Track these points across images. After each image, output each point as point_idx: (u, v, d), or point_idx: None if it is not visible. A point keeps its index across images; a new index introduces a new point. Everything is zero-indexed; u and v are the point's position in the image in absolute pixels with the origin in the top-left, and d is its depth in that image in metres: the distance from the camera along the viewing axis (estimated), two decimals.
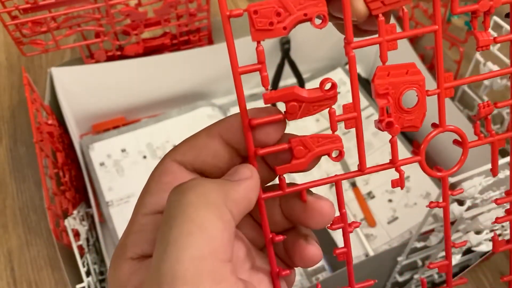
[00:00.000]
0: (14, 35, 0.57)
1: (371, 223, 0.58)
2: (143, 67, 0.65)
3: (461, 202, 0.39)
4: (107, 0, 0.57)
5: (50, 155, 0.52)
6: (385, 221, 0.58)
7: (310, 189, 0.23)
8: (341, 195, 0.23)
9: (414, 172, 0.61)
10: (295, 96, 0.21)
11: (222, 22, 0.20)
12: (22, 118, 0.70)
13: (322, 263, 0.55)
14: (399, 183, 0.23)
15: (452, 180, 0.37)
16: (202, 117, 0.67)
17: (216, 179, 0.21)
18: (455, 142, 0.24)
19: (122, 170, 0.62)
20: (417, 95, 0.22)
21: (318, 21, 0.20)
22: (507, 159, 0.37)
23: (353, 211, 0.61)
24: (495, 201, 0.25)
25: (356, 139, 0.22)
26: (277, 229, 0.23)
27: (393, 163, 0.23)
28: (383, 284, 0.51)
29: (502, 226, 0.42)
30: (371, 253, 0.55)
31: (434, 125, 0.24)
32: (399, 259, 0.47)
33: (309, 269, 0.54)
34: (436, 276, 0.50)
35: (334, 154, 0.22)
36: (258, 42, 0.20)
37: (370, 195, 0.61)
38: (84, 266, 0.48)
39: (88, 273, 0.48)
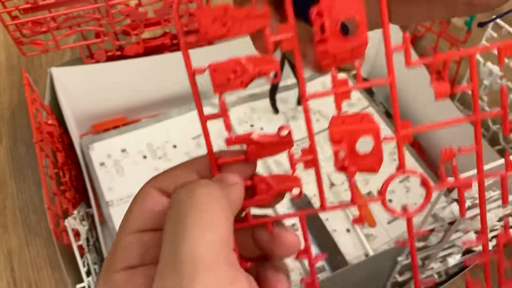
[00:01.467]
0: (14, 35, 0.57)
1: (371, 223, 0.58)
2: (143, 67, 0.65)
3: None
4: (107, 0, 0.57)
5: (50, 155, 0.52)
6: (385, 221, 0.58)
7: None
8: (304, 228, 0.26)
9: None
10: (251, 141, 0.24)
11: (189, 79, 0.23)
12: (22, 118, 0.70)
13: (322, 263, 0.55)
14: (359, 220, 0.25)
15: (451, 178, 0.37)
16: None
17: (213, 181, 0.24)
18: (422, 183, 0.26)
19: (122, 170, 0.62)
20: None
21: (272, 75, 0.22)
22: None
23: (353, 211, 0.61)
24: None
25: (316, 178, 0.25)
26: (249, 255, 0.26)
27: (354, 202, 0.25)
28: (383, 284, 0.51)
29: (502, 226, 0.42)
30: (371, 253, 0.55)
31: (397, 168, 0.25)
32: (399, 259, 0.47)
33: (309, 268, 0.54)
34: (436, 276, 0.50)
35: (294, 192, 0.25)
36: (220, 94, 0.23)
37: (370, 195, 0.61)
38: (84, 266, 0.48)
39: (88, 273, 0.48)
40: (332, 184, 0.61)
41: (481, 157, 0.25)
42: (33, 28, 0.57)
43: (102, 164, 0.62)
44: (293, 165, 0.24)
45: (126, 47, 0.65)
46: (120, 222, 0.25)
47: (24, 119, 0.70)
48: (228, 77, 0.22)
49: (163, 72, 0.66)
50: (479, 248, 0.42)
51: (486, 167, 0.36)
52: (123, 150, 0.64)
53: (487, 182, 0.38)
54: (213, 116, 0.24)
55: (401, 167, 0.25)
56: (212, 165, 0.24)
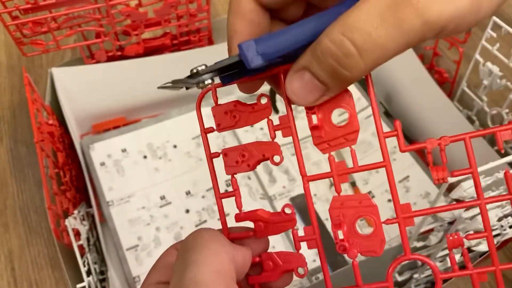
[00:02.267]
0: (15, 35, 0.57)
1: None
2: (144, 67, 0.65)
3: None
4: (108, 1, 0.57)
5: (50, 155, 0.52)
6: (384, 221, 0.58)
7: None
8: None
9: (413, 172, 0.61)
10: (259, 218, 0.26)
11: (202, 137, 0.28)
12: (22, 118, 0.70)
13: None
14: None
15: (451, 180, 0.37)
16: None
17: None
18: (432, 271, 0.27)
19: (123, 170, 0.62)
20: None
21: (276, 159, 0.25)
22: (507, 159, 0.37)
23: None
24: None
25: (320, 256, 0.26)
26: None
27: (359, 287, 0.26)
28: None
29: (502, 226, 0.42)
30: None
31: (403, 255, 0.26)
32: None
33: (309, 268, 0.54)
34: None
35: (300, 272, 0.26)
36: (232, 176, 0.26)
37: (370, 194, 0.61)
38: (84, 266, 0.48)
39: (88, 273, 0.49)
40: (332, 184, 0.61)
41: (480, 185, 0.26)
42: (33, 28, 0.57)
43: (102, 164, 0.62)
44: (297, 243, 0.26)
45: (126, 47, 0.65)
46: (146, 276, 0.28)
47: (25, 119, 0.70)
48: (237, 160, 0.26)
49: (164, 72, 0.66)
50: (479, 248, 0.42)
51: (486, 167, 0.36)
52: (124, 150, 0.64)
53: (487, 182, 0.38)
54: (227, 196, 0.27)
55: (406, 253, 0.26)
56: (221, 215, 0.27)
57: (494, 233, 0.43)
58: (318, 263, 0.55)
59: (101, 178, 0.61)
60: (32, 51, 0.60)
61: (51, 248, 0.59)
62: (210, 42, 0.69)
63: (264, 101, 0.26)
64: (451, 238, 0.25)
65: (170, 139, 0.65)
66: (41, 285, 0.57)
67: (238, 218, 0.27)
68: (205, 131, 0.27)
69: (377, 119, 0.23)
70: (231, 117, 0.26)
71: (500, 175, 0.37)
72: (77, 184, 0.60)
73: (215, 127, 0.27)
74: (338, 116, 0.26)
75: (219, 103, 0.27)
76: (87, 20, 0.60)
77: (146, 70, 0.65)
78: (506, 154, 0.53)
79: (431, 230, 0.44)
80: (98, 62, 0.65)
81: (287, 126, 0.26)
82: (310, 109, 0.24)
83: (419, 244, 0.45)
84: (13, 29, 0.56)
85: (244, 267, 0.26)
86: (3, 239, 0.60)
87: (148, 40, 0.67)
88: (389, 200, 0.59)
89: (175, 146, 0.65)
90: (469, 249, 0.44)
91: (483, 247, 0.43)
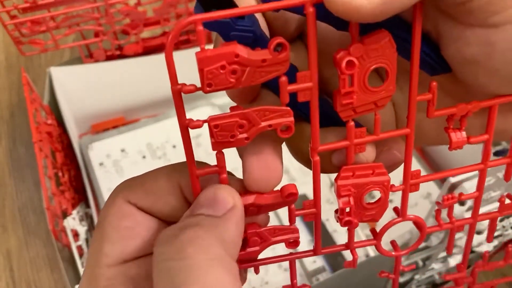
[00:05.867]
0: (13, 35, 0.57)
1: (372, 223, 0.58)
2: (143, 66, 0.65)
3: (462, 203, 0.39)
4: (106, 0, 0.56)
5: (49, 155, 0.52)
6: (385, 221, 0.58)
7: None
8: (294, 270, 0.24)
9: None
10: (251, 204, 0.20)
11: (173, 96, 0.19)
12: (21, 118, 0.70)
13: (322, 263, 0.55)
14: (351, 264, 0.24)
15: (453, 180, 0.37)
16: (202, 117, 0.66)
17: (205, 220, 0.19)
18: (415, 225, 0.25)
19: (122, 170, 0.62)
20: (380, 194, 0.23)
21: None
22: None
23: None
24: None
25: (315, 230, 0.23)
26: None
27: (348, 246, 0.24)
28: (383, 284, 0.51)
29: (503, 227, 0.42)
30: (372, 254, 0.55)
31: (396, 211, 0.25)
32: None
33: (309, 269, 0.54)
34: (436, 277, 0.50)
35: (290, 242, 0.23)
36: (219, 152, 0.20)
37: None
38: (83, 267, 0.48)
39: None
40: (333, 184, 0.61)
41: (479, 202, 0.25)
42: (32, 27, 0.57)
43: (101, 164, 0.62)
44: (292, 217, 0.22)
45: (125, 47, 0.65)
46: (90, 248, 0.20)
47: (23, 119, 0.70)
48: (233, 133, 0.19)
49: (163, 72, 0.65)
50: (480, 248, 0.42)
51: None
52: (123, 150, 0.64)
53: (488, 182, 0.37)
54: (208, 172, 0.20)
55: (403, 215, 0.25)
56: (193, 183, 0.20)
57: (495, 233, 0.43)
58: (318, 264, 0.55)
59: (100, 179, 0.61)
60: (31, 50, 0.60)
61: (50, 249, 0.59)
62: (210, 41, 0.68)
63: (281, 50, 0.17)
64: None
65: (169, 139, 0.65)
66: (40, 286, 0.56)
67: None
68: (182, 89, 0.19)
69: (415, 69, 0.19)
70: (229, 72, 0.17)
71: (501, 175, 0.37)
72: (76, 185, 0.59)
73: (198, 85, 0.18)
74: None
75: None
76: (85, 19, 0.60)
77: (145, 70, 0.65)
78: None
79: None
80: (97, 61, 0.65)
81: (306, 88, 0.18)
82: (349, 68, 0.18)
83: (420, 245, 0.45)
84: (12, 28, 0.56)
85: (241, 235, 0.20)
86: (2, 240, 0.60)
87: (147, 40, 0.66)
88: (390, 201, 0.59)
89: (174, 146, 0.65)
90: (470, 250, 0.44)
91: (484, 247, 0.43)
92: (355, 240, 0.25)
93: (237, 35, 0.19)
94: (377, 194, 0.22)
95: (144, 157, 0.63)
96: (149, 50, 0.66)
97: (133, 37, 0.64)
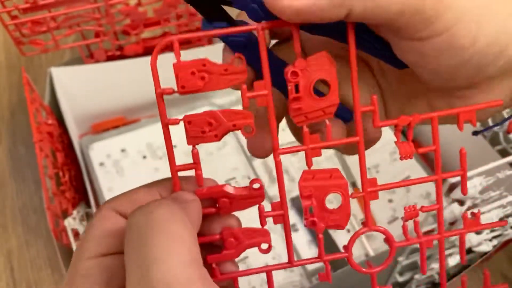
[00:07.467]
0: (14, 35, 0.57)
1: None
2: (143, 67, 0.64)
3: (461, 202, 0.39)
4: (107, 0, 0.56)
5: (49, 155, 0.52)
6: (385, 221, 0.58)
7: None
8: (271, 282, 0.26)
9: (414, 171, 0.61)
10: (224, 194, 0.24)
11: (156, 99, 0.24)
12: (21, 118, 0.70)
13: (322, 263, 0.55)
14: (325, 277, 0.26)
15: (452, 180, 0.37)
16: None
17: (170, 199, 0.23)
18: (385, 240, 0.26)
19: (122, 170, 0.62)
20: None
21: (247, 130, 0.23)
22: (507, 159, 0.37)
23: (353, 211, 0.61)
24: None
25: (285, 233, 0.25)
26: None
27: (321, 257, 0.26)
28: (383, 284, 0.51)
29: (503, 227, 0.42)
30: (371, 253, 0.55)
31: (363, 224, 0.26)
32: (400, 259, 0.47)
33: (309, 269, 0.54)
34: (436, 276, 0.50)
35: (263, 247, 0.24)
36: (193, 146, 0.24)
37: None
38: None
39: None
40: None
41: (441, 215, 0.26)
42: (32, 27, 0.57)
43: (101, 164, 0.62)
44: (262, 218, 0.24)
45: (125, 47, 0.65)
46: (75, 248, 0.23)
47: (24, 119, 0.70)
48: (203, 129, 0.23)
49: (163, 72, 0.65)
50: (480, 248, 0.42)
51: (486, 167, 0.36)
52: (123, 150, 0.64)
53: (487, 182, 0.38)
54: (185, 168, 0.25)
55: (368, 224, 0.25)
56: (173, 177, 0.25)
57: (495, 233, 0.43)
58: (318, 264, 0.55)
59: (101, 179, 0.61)
60: (31, 50, 0.60)
61: (51, 249, 0.59)
62: (210, 41, 0.68)
63: (239, 63, 0.22)
64: (407, 211, 0.26)
65: None
66: (40, 286, 0.57)
67: (200, 194, 0.24)
68: (164, 92, 0.24)
69: (355, 85, 0.23)
70: (198, 78, 0.22)
71: (501, 175, 0.37)
72: (76, 184, 0.60)
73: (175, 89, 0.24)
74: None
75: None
76: (86, 19, 0.60)
77: (146, 70, 0.64)
78: (507, 154, 0.53)
79: (431, 230, 0.44)
80: (97, 61, 0.65)
81: (262, 94, 0.22)
82: (294, 77, 0.22)
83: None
84: (12, 29, 0.56)
85: (198, 221, 0.23)
86: (2, 240, 0.60)
87: (148, 40, 0.66)
88: (389, 201, 0.59)
89: (174, 146, 0.64)
90: (470, 250, 0.44)
91: (484, 247, 0.43)
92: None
93: (230, 40, 0.24)
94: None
95: (144, 157, 0.63)
96: (149, 51, 0.67)
97: (134, 37, 0.64)
